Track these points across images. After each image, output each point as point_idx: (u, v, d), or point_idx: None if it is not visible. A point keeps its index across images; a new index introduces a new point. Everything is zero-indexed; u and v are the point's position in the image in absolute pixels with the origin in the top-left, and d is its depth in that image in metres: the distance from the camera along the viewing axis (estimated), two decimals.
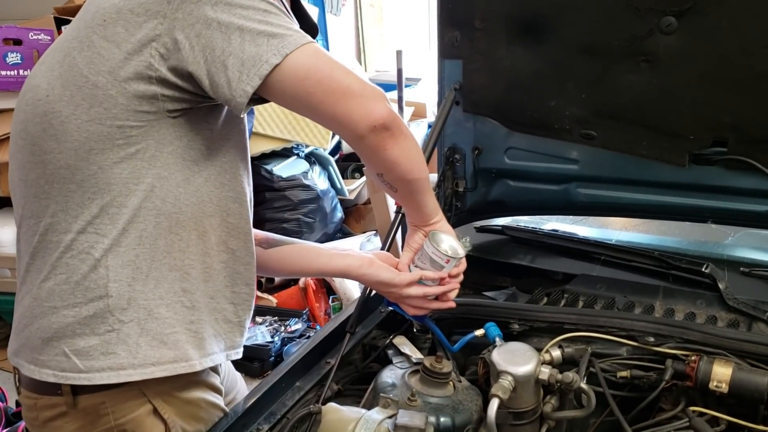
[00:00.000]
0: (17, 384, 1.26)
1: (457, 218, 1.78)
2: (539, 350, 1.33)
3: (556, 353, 1.34)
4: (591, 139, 1.56)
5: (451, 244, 1.33)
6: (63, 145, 1.12)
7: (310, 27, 1.28)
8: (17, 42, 3.52)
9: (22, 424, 2.56)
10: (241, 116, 1.20)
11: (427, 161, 1.58)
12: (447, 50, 1.64)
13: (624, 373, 1.34)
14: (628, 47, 1.45)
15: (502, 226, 1.86)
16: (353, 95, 1.10)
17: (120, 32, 1.08)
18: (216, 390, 1.29)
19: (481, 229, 1.87)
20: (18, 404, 2.74)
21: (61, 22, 3.63)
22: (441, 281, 1.34)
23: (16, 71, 3.50)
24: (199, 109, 1.15)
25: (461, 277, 1.37)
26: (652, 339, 1.36)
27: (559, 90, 1.55)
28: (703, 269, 1.53)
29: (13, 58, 3.51)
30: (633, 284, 1.59)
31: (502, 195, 1.79)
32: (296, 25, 1.12)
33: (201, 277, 1.20)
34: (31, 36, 3.55)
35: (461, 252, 1.34)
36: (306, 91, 1.09)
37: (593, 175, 1.68)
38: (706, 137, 1.46)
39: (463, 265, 1.36)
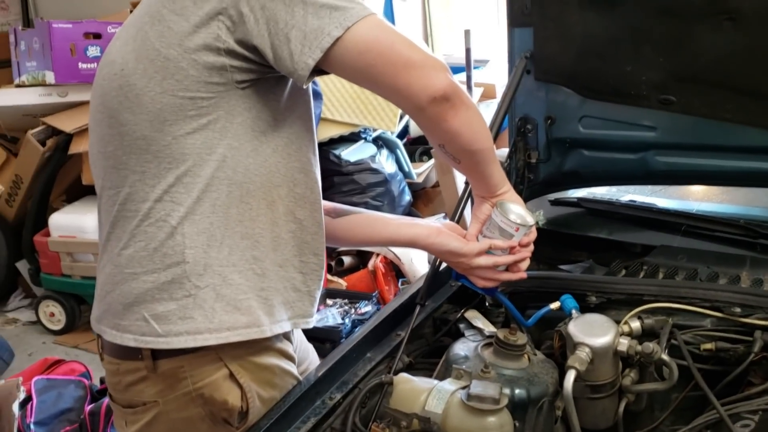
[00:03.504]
0: (100, 350, 1.31)
1: (530, 191, 1.74)
2: (618, 322, 1.29)
3: (636, 325, 1.29)
4: (670, 105, 1.49)
5: (519, 212, 1.30)
6: (138, 116, 1.15)
7: None
8: (97, 36, 3.66)
9: (106, 401, 2.66)
10: (305, 87, 1.20)
11: (498, 132, 1.55)
12: (517, 18, 1.61)
13: (708, 346, 1.28)
14: (710, 5, 1.38)
15: (578, 198, 1.81)
16: (414, 67, 1.09)
17: (188, 5, 1.10)
18: (290, 358, 1.30)
19: (556, 202, 1.82)
20: (102, 382, 2.85)
21: None
22: (511, 250, 1.31)
23: (96, 64, 3.63)
24: (266, 80, 1.16)
25: (532, 247, 1.34)
26: (738, 310, 1.29)
27: (636, 54, 1.49)
28: None
29: (93, 51, 3.64)
30: (717, 254, 1.51)
31: (577, 165, 1.74)
32: None
33: (270, 246, 1.22)
34: (110, 29, 3.68)
35: (530, 220, 1.31)
36: (367, 63, 1.09)
37: (673, 142, 1.61)
38: None
39: (534, 233, 1.33)
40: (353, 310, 3.29)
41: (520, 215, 1.30)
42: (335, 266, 3.63)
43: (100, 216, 1.27)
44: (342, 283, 3.50)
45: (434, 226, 1.38)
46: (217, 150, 1.15)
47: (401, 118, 3.77)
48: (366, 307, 3.30)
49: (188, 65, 1.11)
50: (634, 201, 1.79)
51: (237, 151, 1.16)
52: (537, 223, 1.73)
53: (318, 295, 1.33)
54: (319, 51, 1.06)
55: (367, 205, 3.60)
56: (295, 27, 1.06)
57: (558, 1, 1.53)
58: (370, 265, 3.51)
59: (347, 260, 3.66)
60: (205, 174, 1.15)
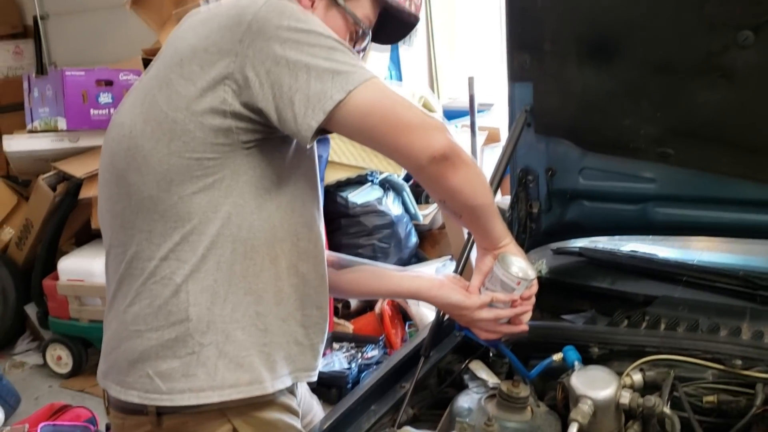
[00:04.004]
0: (106, 405, 1.32)
1: (532, 240, 1.77)
2: (620, 374, 1.30)
3: (638, 377, 1.30)
4: (668, 158, 1.52)
5: (521, 265, 1.32)
6: (146, 177, 1.18)
7: (406, 24, 1.41)
8: (108, 83, 3.73)
9: None
10: (308, 147, 1.24)
11: (499, 184, 1.58)
12: (517, 73, 1.65)
13: (710, 398, 1.28)
14: (704, 63, 1.42)
15: (580, 248, 1.83)
16: (414, 128, 1.14)
17: (196, 70, 1.15)
18: (293, 412, 1.31)
19: (559, 251, 1.84)
20: (108, 428, 2.85)
21: (148, 63, 3.83)
22: (512, 303, 1.33)
23: (107, 110, 3.71)
24: (271, 139, 1.20)
25: (533, 300, 1.36)
26: (740, 362, 1.30)
27: (633, 109, 1.53)
28: None
29: (104, 98, 3.72)
30: (718, 306, 1.52)
31: (578, 216, 1.76)
32: (360, 61, 1.17)
33: (273, 300, 1.24)
34: (121, 77, 3.76)
35: (532, 274, 1.33)
36: (369, 125, 1.14)
37: (672, 194, 1.63)
38: None
39: (535, 287, 1.35)
40: (360, 355, 3.29)
41: (522, 269, 1.32)
42: (342, 309, 3.64)
43: (108, 273, 1.29)
44: (349, 326, 3.51)
45: (436, 278, 1.41)
46: (222, 208, 1.18)
47: None
48: (373, 351, 3.30)
49: (195, 127, 1.15)
50: (636, 251, 1.81)
51: (242, 209, 1.19)
52: (539, 272, 1.75)
53: (321, 348, 1.34)
54: (321, 113, 1.10)
55: (373, 248, 3.62)
56: (299, 90, 1.11)
57: (557, 57, 1.57)
58: (377, 308, 3.52)
59: (354, 303, 3.67)
60: (210, 232, 1.18)
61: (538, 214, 1.74)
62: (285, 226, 1.25)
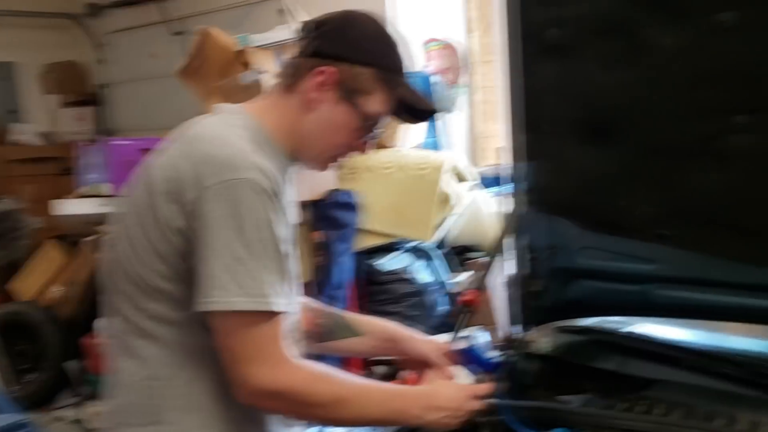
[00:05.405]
0: None
1: (535, 318, 1.76)
2: None
3: None
4: (665, 239, 1.52)
5: None
6: (121, 294, 1.31)
7: (425, 111, 1.44)
8: None
9: None
10: None
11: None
12: (518, 153, 1.68)
13: None
14: (698, 146, 1.43)
15: (583, 327, 1.81)
16: (254, 362, 1.20)
17: (159, 213, 1.25)
18: None
19: (563, 330, 1.83)
20: None
21: None
22: None
23: None
24: None
25: None
26: None
27: (629, 190, 1.54)
28: None
29: None
30: (717, 392, 1.48)
31: (580, 295, 1.75)
32: (261, 280, 1.19)
33: (243, 410, 1.29)
34: None
35: None
36: (220, 345, 1.22)
37: (672, 276, 1.61)
38: None
39: None
40: None
41: None
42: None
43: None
44: None
45: None
46: (185, 331, 1.27)
47: (437, 228, 3.83)
48: None
49: (155, 260, 1.25)
50: (633, 332, 1.77)
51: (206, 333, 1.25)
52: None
53: None
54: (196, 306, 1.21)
55: (401, 315, 3.61)
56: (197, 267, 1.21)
57: (555, 139, 1.60)
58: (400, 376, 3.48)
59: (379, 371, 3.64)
60: (178, 350, 1.28)
61: (540, 292, 1.74)
62: None
